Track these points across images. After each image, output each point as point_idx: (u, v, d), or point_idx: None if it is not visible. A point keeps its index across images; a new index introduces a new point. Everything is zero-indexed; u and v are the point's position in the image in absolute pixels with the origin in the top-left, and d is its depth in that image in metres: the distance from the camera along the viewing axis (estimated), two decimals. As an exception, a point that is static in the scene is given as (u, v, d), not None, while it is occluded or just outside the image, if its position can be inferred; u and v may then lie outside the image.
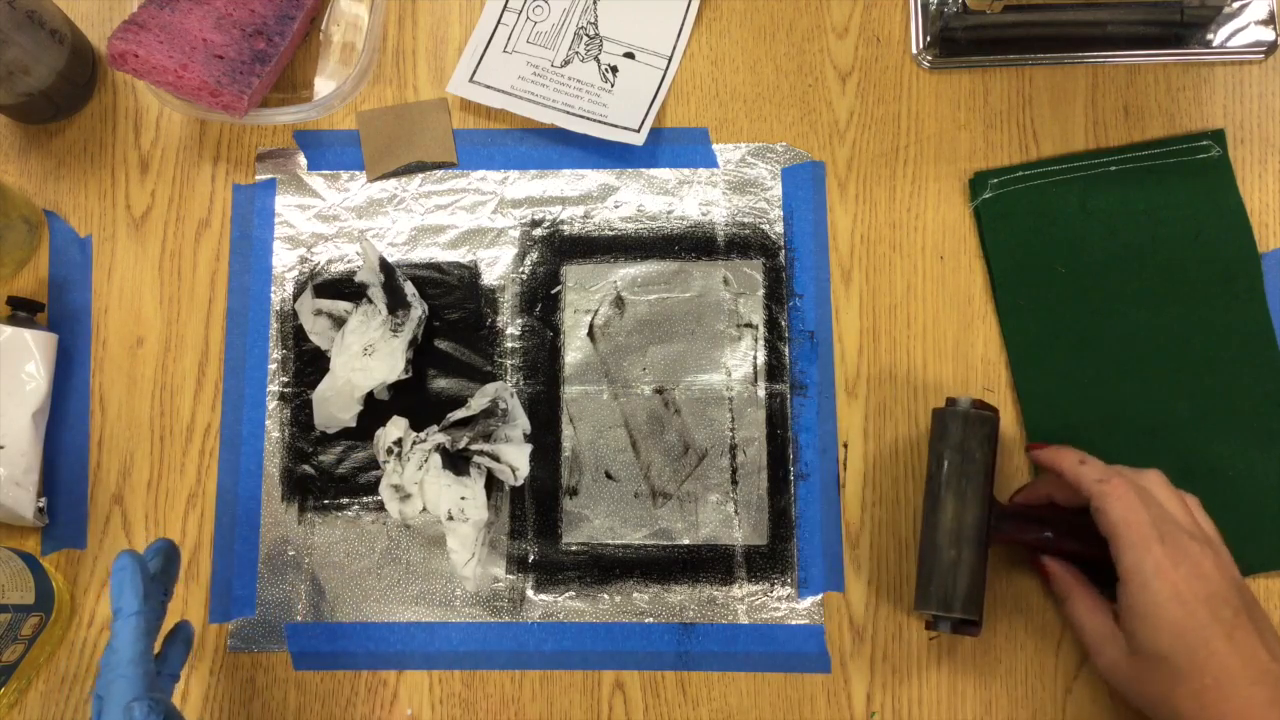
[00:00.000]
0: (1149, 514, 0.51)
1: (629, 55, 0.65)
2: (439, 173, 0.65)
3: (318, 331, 0.62)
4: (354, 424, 0.61)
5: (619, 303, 0.63)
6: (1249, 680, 0.48)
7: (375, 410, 0.61)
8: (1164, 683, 0.49)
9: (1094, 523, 0.53)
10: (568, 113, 0.64)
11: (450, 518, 0.57)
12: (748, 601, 0.60)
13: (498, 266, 0.63)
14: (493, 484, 0.60)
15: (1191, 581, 0.49)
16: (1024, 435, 0.61)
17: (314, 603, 0.61)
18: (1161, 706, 0.50)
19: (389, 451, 0.59)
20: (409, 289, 0.61)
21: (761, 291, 0.63)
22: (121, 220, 0.65)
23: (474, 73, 0.65)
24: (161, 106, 0.66)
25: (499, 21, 0.66)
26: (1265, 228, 0.62)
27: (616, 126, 0.63)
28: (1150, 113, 0.64)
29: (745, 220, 0.64)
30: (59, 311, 0.64)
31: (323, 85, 0.66)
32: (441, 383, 0.63)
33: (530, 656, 0.60)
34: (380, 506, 0.60)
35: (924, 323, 0.63)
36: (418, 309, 0.61)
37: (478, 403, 0.59)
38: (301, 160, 0.65)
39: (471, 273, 0.63)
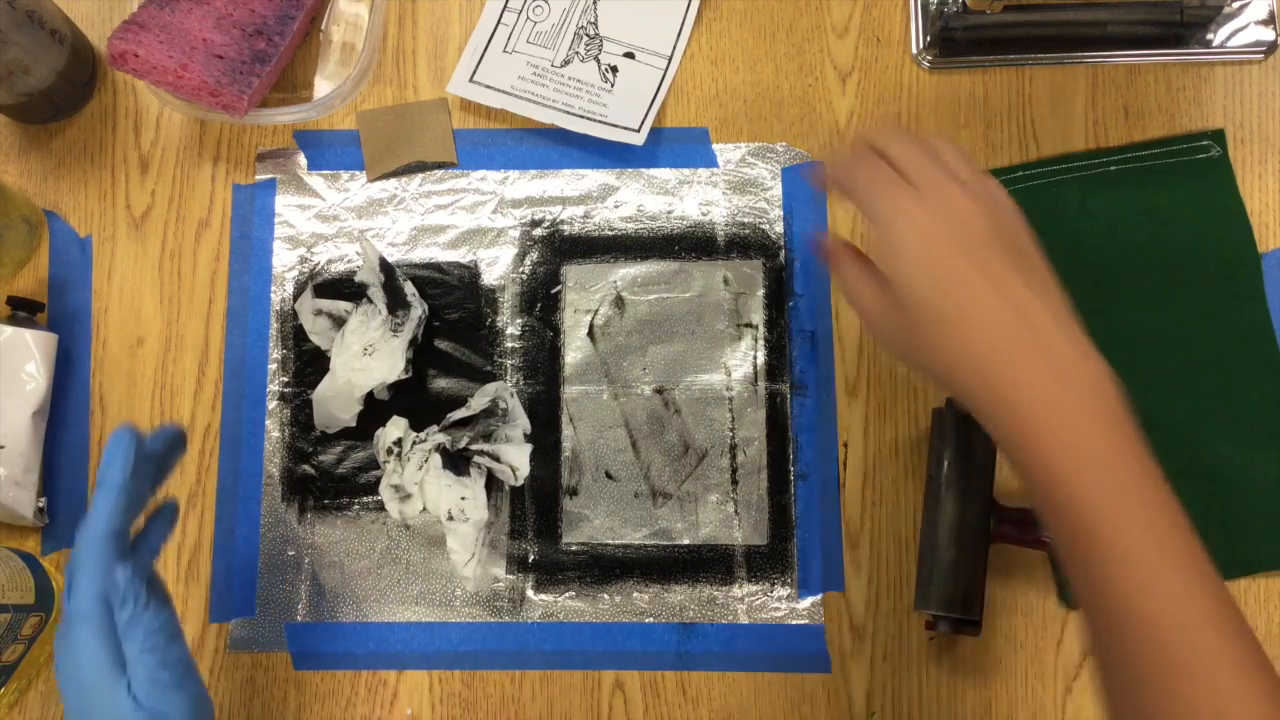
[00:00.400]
0: (893, 172, 0.47)
1: (629, 55, 0.65)
2: (439, 173, 0.65)
3: (318, 331, 0.62)
4: (354, 424, 0.61)
5: (619, 303, 0.63)
6: (1009, 330, 0.44)
7: (375, 410, 0.61)
8: (931, 334, 0.45)
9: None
10: (568, 113, 0.64)
11: (450, 518, 0.57)
12: (748, 601, 0.60)
13: (498, 266, 0.63)
14: (493, 484, 0.60)
15: (940, 222, 0.45)
16: (1024, 435, 0.61)
17: (314, 603, 0.61)
18: (934, 364, 0.46)
19: (389, 451, 0.59)
20: (409, 289, 0.61)
21: (761, 291, 0.63)
22: (121, 220, 0.65)
23: (474, 73, 0.65)
24: (161, 106, 0.66)
25: (499, 21, 0.66)
26: (1265, 228, 0.62)
27: (617, 126, 0.63)
28: (1150, 113, 0.64)
29: (745, 220, 0.64)
30: (59, 311, 0.64)
31: (323, 85, 0.66)
32: (441, 383, 0.63)
33: (530, 656, 0.60)
34: (380, 506, 0.60)
35: (924, 323, 0.62)
36: (418, 309, 0.61)
37: (478, 402, 0.59)
38: (301, 160, 0.65)
39: (471, 273, 0.63)
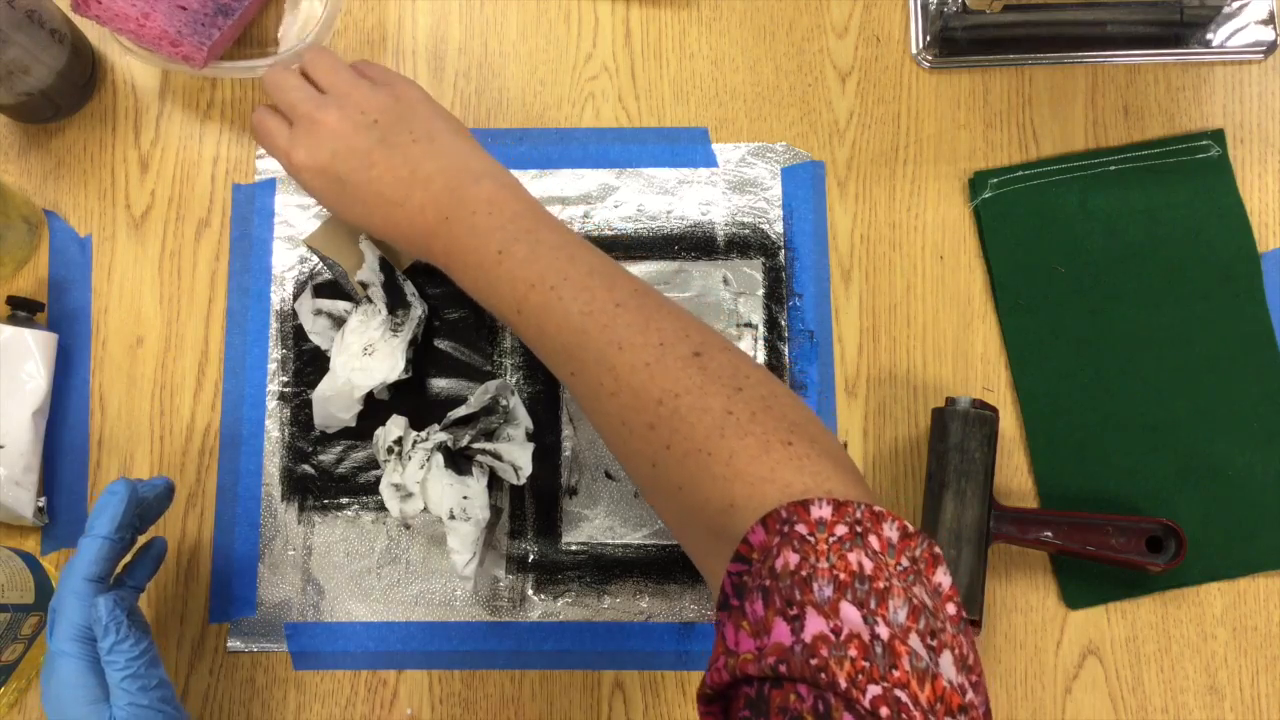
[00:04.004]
0: (283, 114, 0.57)
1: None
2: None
3: (318, 331, 0.62)
4: (354, 424, 0.61)
5: (619, 302, 0.63)
6: (398, 205, 0.54)
7: (375, 410, 0.61)
8: (353, 206, 0.55)
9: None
10: None
11: (452, 517, 0.57)
12: (748, 601, 0.60)
13: (498, 266, 0.63)
14: (493, 483, 0.60)
15: (344, 117, 0.55)
16: (1024, 435, 0.61)
17: (314, 603, 0.61)
18: (371, 230, 0.56)
19: (389, 451, 0.59)
20: (409, 288, 0.61)
21: (761, 291, 0.63)
22: (121, 220, 0.65)
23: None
24: (161, 106, 0.66)
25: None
26: (1265, 228, 0.62)
27: None
28: (1150, 113, 0.64)
29: (745, 220, 0.64)
30: (59, 311, 0.64)
31: (287, 43, 0.66)
32: (441, 382, 0.63)
33: (530, 656, 0.60)
34: (380, 506, 0.60)
35: (924, 322, 0.63)
36: (418, 308, 0.61)
37: (478, 399, 0.59)
38: (301, 160, 0.65)
39: (471, 272, 0.63)
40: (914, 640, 0.36)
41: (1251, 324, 0.61)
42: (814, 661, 0.35)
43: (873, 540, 0.39)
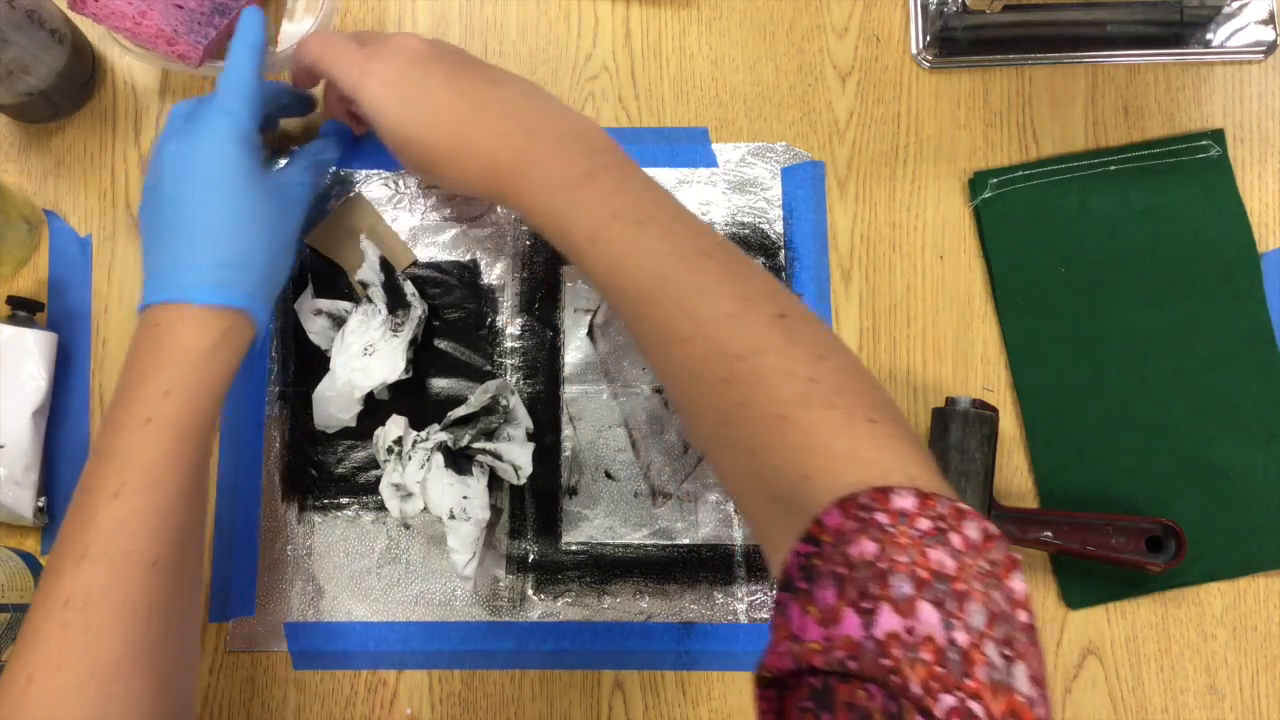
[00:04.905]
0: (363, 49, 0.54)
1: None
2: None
3: (317, 331, 0.62)
4: (354, 424, 0.61)
5: (619, 302, 0.63)
6: (475, 110, 0.51)
7: (375, 410, 0.61)
8: (421, 154, 0.52)
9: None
10: None
11: (452, 516, 0.57)
12: (748, 601, 0.60)
13: (498, 266, 0.63)
14: (493, 483, 0.60)
15: (393, 63, 0.52)
16: (1024, 435, 0.61)
17: (314, 603, 0.61)
18: (440, 175, 0.53)
19: (389, 451, 0.59)
20: (409, 289, 0.61)
21: (761, 291, 0.63)
22: (121, 220, 0.65)
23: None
24: (162, 105, 0.66)
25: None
26: (1265, 227, 0.62)
27: None
28: (1150, 113, 0.64)
29: (745, 220, 0.64)
30: (59, 311, 0.64)
31: (285, 42, 0.66)
32: (441, 382, 0.63)
33: (530, 656, 0.60)
34: (380, 506, 0.60)
35: (924, 322, 0.63)
36: (418, 309, 0.61)
37: (478, 399, 0.59)
38: (301, 160, 0.65)
39: (471, 272, 0.63)
40: (990, 648, 0.35)
41: (1251, 324, 0.61)
42: (886, 662, 0.34)
43: (955, 539, 0.37)
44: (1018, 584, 0.38)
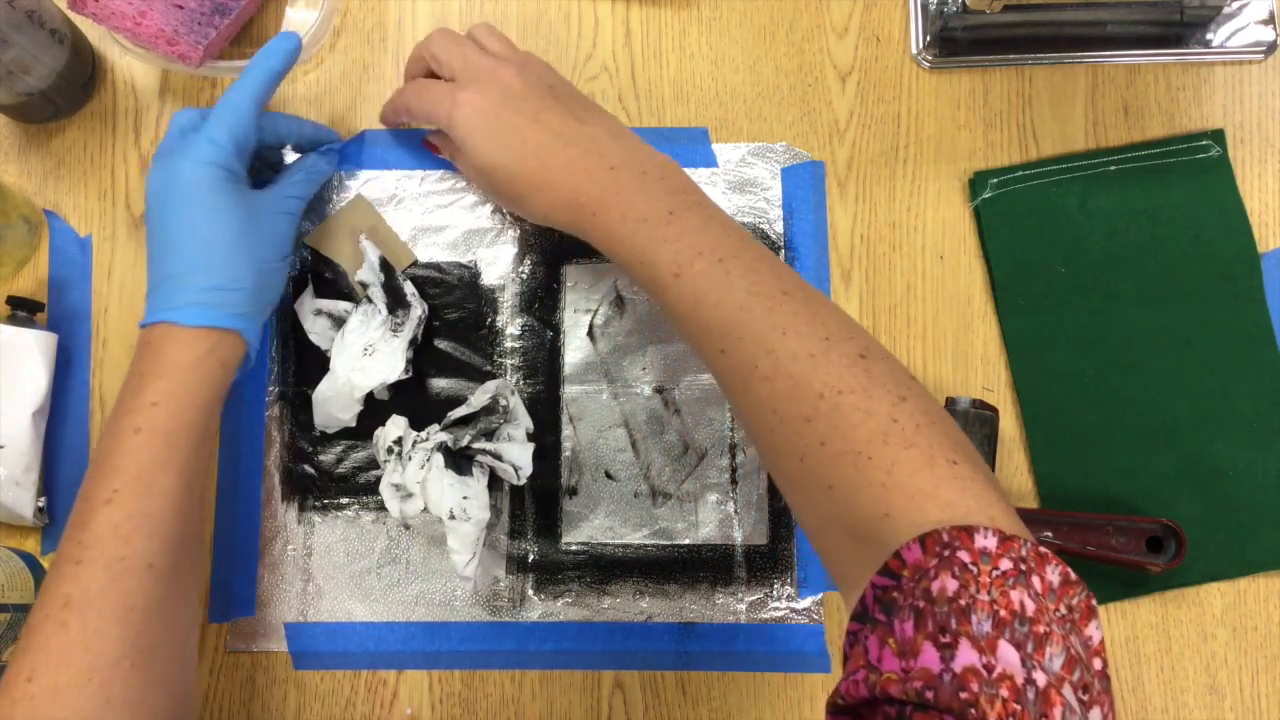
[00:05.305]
0: (457, 80, 0.56)
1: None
2: (439, 172, 0.64)
3: (318, 331, 0.62)
4: (354, 424, 0.61)
5: (619, 302, 0.63)
6: (563, 145, 0.53)
7: (375, 410, 0.61)
8: (512, 188, 0.54)
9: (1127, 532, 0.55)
10: None
11: (452, 517, 0.57)
12: (748, 601, 0.60)
13: (498, 266, 0.63)
14: (493, 483, 0.60)
15: (484, 95, 0.54)
16: (1024, 435, 0.61)
17: (314, 603, 0.61)
18: (530, 210, 0.55)
19: (389, 451, 0.59)
20: (409, 289, 0.61)
21: (761, 291, 0.63)
22: (121, 220, 0.65)
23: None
24: (162, 106, 0.66)
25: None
26: (1265, 228, 0.62)
27: None
28: (1150, 113, 0.64)
29: (745, 220, 0.64)
30: (59, 311, 0.64)
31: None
32: (441, 382, 0.63)
33: (530, 656, 0.60)
34: (380, 506, 0.60)
35: (924, 322, 0.63)
36: (418, 309, 0.61)
37: (478, 399, 0.59)
38: (301, 160, 0.65)
39: (471, 273, 0.63)
40: (1067, 691, 0.35)
41: (1251, 324, 0.61)
42: (964, 695, 0.34)
43: (1035, 581, 0.38)
44: (1095, 631, 0.39)
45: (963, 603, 0.36)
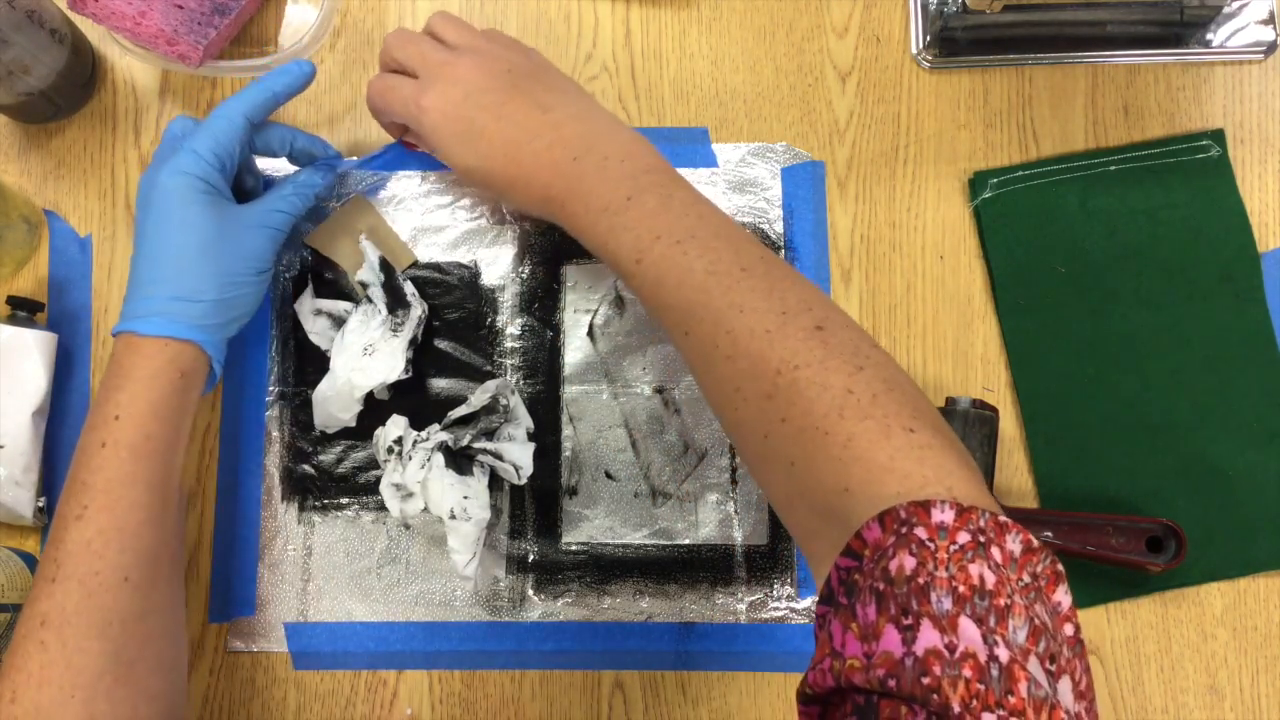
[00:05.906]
0: (410, 81, 0.56)
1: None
2: (438, 173, 0.65)
3: (318, 331, 0.62)
4: (354, 424, 0.61)
5: (619, 302, 0.63)
6: (528, 139, 0.53)
7: (375, 410, 0.61)
8: (484, 181, 0.55)
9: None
10: None
11: (453, 516, 0.57)
12: (748, 601, 0.60)
13: (498, 266, 0.63)
14: (493, 483, 0.60)
15: (444, 96, 0.54)
16: (1024, 435, 0.61)
17: (314, 603, 0.61)
18: (503, 197, 0.57)
19: (389, 451, 0.59)
20: (409, 289, 0.61)
21: (761, 291, 0.63)
22: (121, 220, 0.65)
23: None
24: (162, 106, 0.66)
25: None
26: (1265, 228, 0.63)
27: None
28: (1150, 113, 0.64)
29: (745, 220, 0.64)
30: (59, 311, 0.64)
31: (285, 44, 0.66)
32: (441, 382, 0.63)
33: (530, 656, 0.60)
34: (380, 506, 0.60)
35: (924, 322, 0.63)
36: (418, 309, 0.61)
37: (479, 399, 0.59)
38: (301, 160, 0.65)
39: (471, 273, 0.63)
40: (1033, 664, 0.35)
41: (1251, 324, 0.61)
42: (926, 680, 0.34)
43: (995, 552, 0.37)
44: (1064, 596, 0.38)
45: (921, 581, 0.36)
